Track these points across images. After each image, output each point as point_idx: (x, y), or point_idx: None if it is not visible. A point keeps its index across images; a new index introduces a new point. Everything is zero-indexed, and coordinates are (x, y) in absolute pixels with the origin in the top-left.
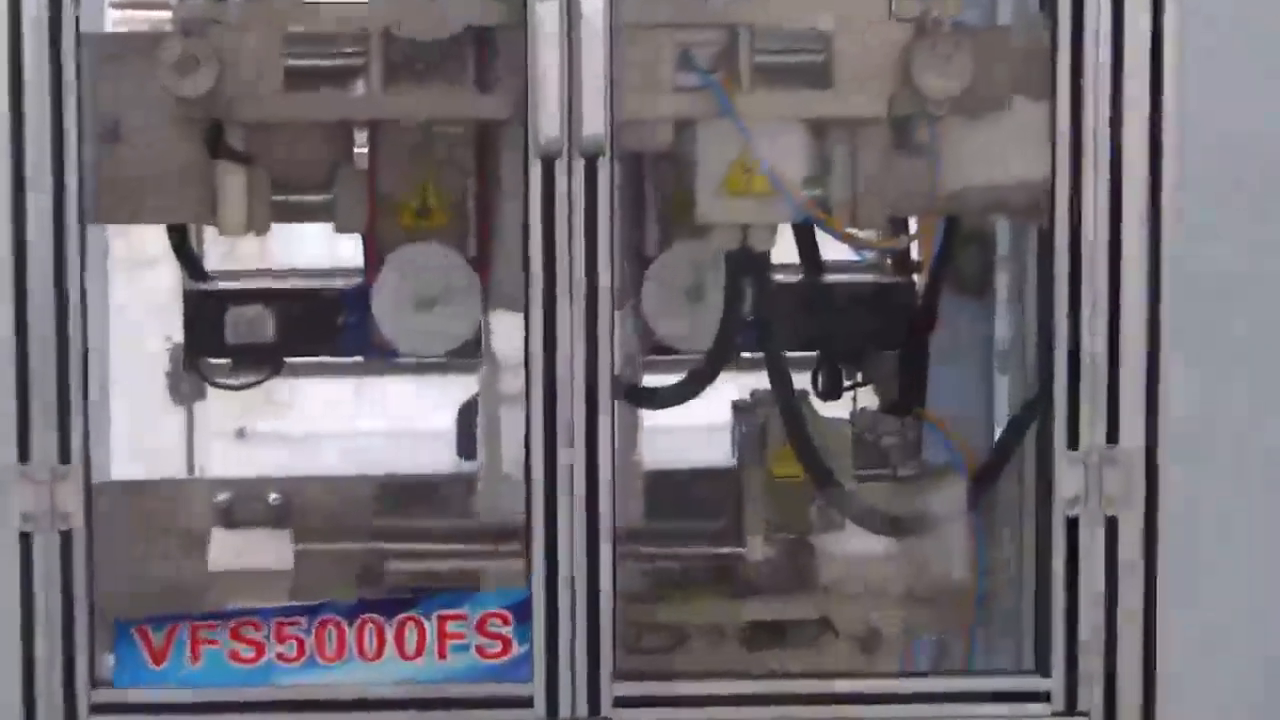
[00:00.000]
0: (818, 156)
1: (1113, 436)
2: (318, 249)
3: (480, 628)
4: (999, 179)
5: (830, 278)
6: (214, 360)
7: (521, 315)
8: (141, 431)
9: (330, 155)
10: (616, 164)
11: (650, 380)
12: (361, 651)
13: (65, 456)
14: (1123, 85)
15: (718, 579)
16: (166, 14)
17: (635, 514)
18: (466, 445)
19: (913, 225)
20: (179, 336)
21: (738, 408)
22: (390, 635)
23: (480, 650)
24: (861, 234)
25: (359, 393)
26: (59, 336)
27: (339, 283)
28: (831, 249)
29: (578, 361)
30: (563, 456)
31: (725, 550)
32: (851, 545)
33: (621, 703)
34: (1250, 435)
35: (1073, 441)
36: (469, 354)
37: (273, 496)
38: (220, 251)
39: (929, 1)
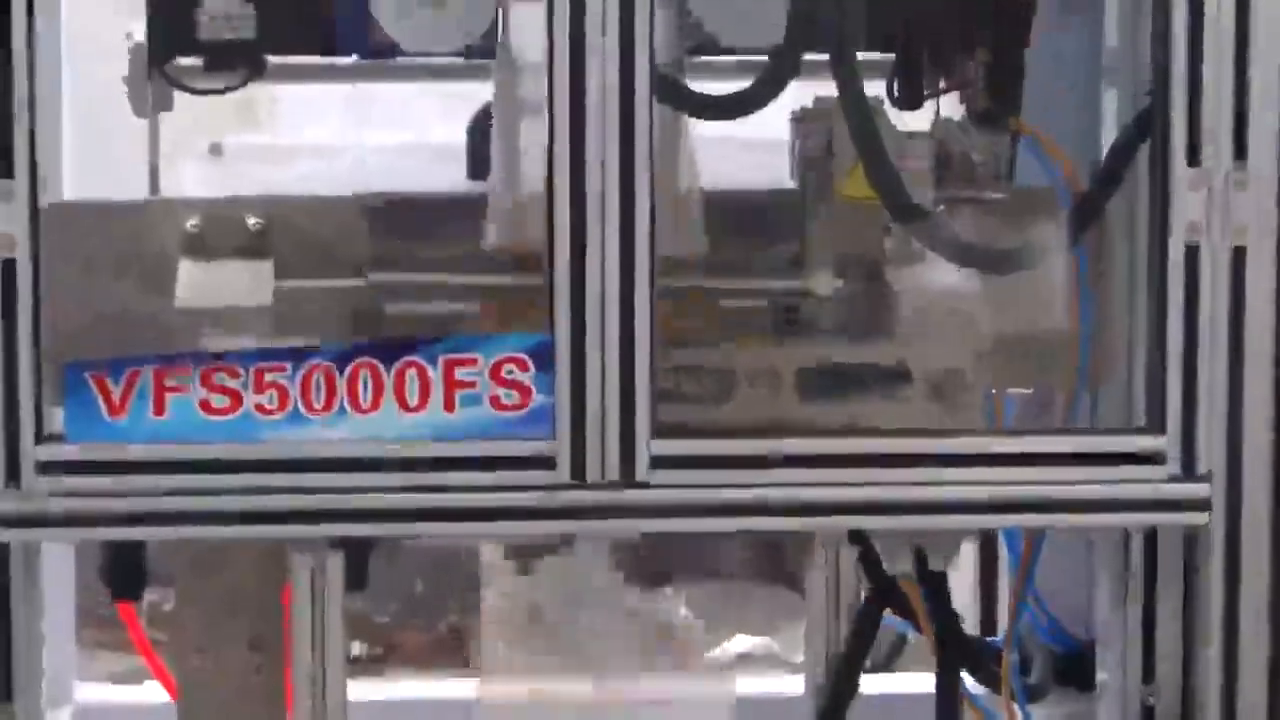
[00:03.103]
0: None
1: (1240, 153)
2: None
3: (495, 375)
4: None
5: None
6: (183, 61)
7: (544, 5)
8: (97, 147)
9: None
10: None
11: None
12: (355, 403)
13: (8, 171)
14: None
15: (774, 318)
16: None
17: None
18: (479, 162)
19: None
20: (140, 34)
21: (798, 119)
22: (389, 384)
23: (495, 401)
24: None
25: (354, 100)
26: None
27: None
28: None
29: (610, 60)
30: (592, 172)
31: (784, 284)
32: (932, 280)
33: (660, 463)
34: None
35: (1193, 158)
36: (483, 55)
37: (252, 221)
38: None
39: None
